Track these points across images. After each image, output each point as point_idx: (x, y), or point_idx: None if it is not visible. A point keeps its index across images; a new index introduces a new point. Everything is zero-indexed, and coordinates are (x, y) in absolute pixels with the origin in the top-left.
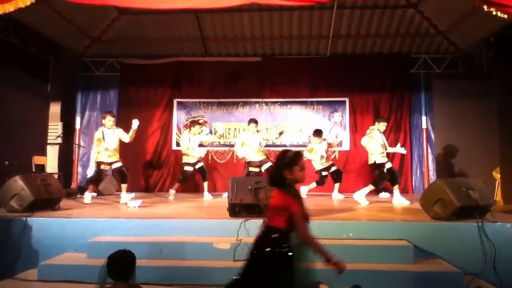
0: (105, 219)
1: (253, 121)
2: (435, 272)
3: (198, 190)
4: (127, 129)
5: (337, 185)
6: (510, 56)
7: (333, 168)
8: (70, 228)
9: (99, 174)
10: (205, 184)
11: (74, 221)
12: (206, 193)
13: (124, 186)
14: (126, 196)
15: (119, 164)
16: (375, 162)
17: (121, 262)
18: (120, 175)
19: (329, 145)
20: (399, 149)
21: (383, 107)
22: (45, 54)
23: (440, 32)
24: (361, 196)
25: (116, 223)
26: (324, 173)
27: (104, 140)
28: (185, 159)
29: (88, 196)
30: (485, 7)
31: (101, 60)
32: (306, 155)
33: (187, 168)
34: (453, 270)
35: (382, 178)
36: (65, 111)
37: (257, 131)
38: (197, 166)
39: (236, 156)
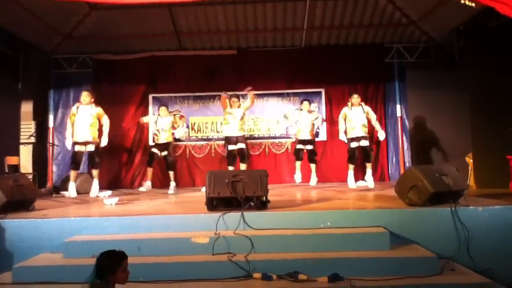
0: (81, 218)
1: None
2: (410, 258)
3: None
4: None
5: (313, 167)
6: (479, 45)
7: (309, 147)
8: (45, 229)
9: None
10: (171, 173)
11: (49, 221)
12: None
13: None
14: (96, 187)
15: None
16: None
17: (104, 263)
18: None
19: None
20: None
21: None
22: (14, 52)
23: (412, 22)
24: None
25: (93, 222)
26: (299, 146)
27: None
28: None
29: (71, 188)
30: None
31: (73, 56)
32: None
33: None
34: (428, 255)
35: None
36: (38, 109)
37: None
38: (163, 154)
39: (214, 149)
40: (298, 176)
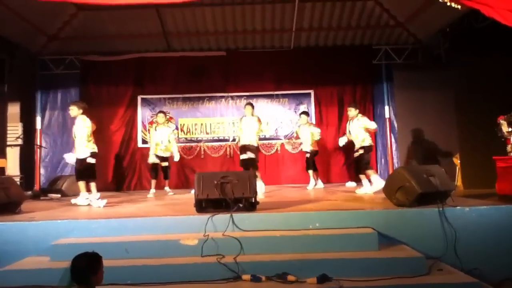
0: (68, 220)
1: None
2: (398, 258)
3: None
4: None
5: (310, 173)
6: (466, 46)
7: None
8: (31, 232)
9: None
10: (166, 182)
11: (35, 224)
12: (166, 188)
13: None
14: (82, 197)
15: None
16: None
17: (85, 264)
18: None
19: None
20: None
21: (347, 98)
22: (0, 53)
23: (399, 23)
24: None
25: (80, 224)
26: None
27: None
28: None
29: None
30: None
31: (60, 58)
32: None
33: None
34: (415, 255)
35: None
36: (25, 111)
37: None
38: (163, 164)
39: (204, 150)
40: (311, 185)
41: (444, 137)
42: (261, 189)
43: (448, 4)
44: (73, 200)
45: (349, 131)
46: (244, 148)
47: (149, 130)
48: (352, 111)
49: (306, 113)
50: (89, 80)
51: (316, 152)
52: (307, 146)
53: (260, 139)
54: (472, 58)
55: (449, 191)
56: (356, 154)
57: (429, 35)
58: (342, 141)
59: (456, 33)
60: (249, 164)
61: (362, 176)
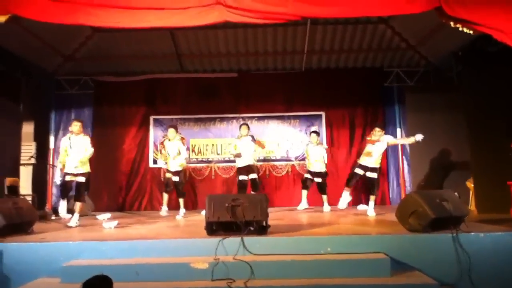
0: (80, 242)
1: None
2: (412, 285)
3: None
4: (102, 146)
5: (324, 198)
6: (477, 69)
7: (318, 179)
8: (43, 252)
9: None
10: (180, 201)
11: (47, 245)
12: (180, 210)
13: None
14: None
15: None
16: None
17: None
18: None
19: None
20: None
21: (359, 120)
22: (16, 73)
23: (411, 46)
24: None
25: (91, 246)
26: (307, 176)
27: (70, 147)
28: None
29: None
30: (451, 23)
31: (74, 78)
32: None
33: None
34: (429, 282)
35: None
36: (39, 130)
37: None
38: (174, 179)
39: (215, 171)
40: (303, 205)
41: (457, 160)
42: None
43: (460, 29)
44: (99, 217)
45: (370, 152)
46: (246, 169)
47: (160, 150)
48: (378, 132)
49: (317, 132)
50: (102, 100)
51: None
52: (320, 167)
53: (271, 160)
54: (484, 80)
55: (463, 216)
56: (373, 175)
57: (441, 58)
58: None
59: (468, 55)
60: (253, 185)
61: (372, 197)
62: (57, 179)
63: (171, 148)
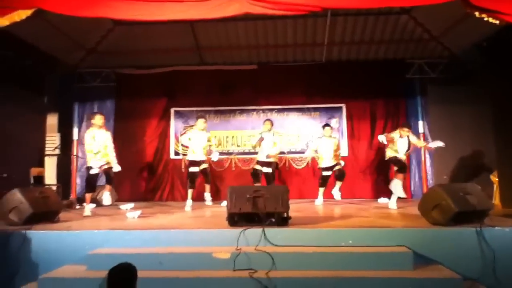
0: (104, 231)
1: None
2: (434, 279)
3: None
4: (123, 138)
5: (338, 183)
6: (502, 60)
7: (337, 167)
8: (69, 241)
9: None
10: (207, 187)
11: (73, 233)
12: (207, 194)
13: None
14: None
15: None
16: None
17: (122, 276)
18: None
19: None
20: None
21: (380, 112)
22: (40, 66)
23: (433, 37)
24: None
25: (115, 235)
26: (325, 173)
27: (95, 141)
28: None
29: (87, 208)
30: (476, 13)
31: (96, 71)
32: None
33: (192, 169)
34: (452, 276)
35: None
36: (62, 122)
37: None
38: (202, 167)
39: (235, 163)
40: (319, 201)
41: (481, 153)
42: None
43: (486, 19)
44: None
45: (399, 148)
46: (266, 164)
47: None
48: (406, 132)
49: (329, 125)
50: (124, 92)
51: None
52: (330, 161)
53: (291, 152)
54: (509, 72)
55: (487, 210)
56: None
57: (465, 49)
58: (382, 138)
59: (493, 47)
60: (267, 178)
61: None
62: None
63: (198, 139)
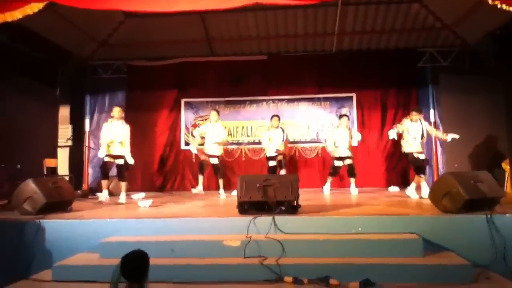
0: (116, 219)
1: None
2: (444, 265)
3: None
4: (134, 129)
5: (352, 180)
6: None
7: (348, 161)
8: (82, 229)
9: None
10: (220, 181)
11: (86, 222)
12: (221, 190)
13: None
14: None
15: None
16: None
17: (135, 263)
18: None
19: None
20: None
21: (391, 101)
22: (52, 58)
23: (445, 26)
24: (411, 191)
25: (127, 224)
26: (337, 163)
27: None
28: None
29: (102, 194)
30: (489, 0)
31: (108, 63)
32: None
33: (202, 157)
34: (462, 263)
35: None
36: (75, 113)
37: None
38: (212, 162)
39: (245, 153)
40: (327, 189)
41: (492, 142)
42: None
43: (499, 6)
44: (134, 196)
45: (414, 136)
46: (275, 158)
47: (192, 133)
48: (416, 115)
49: (347, 116)
50: (135, 84)
51: None
52: (346, 151)
53: (301, 142)
54: None
55: (498, 198)
56: (423, 156)
57: (478, 38)
58: (392, 133)
59: (507, 35)
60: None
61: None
62: (101, 154)
63: (212, 131)
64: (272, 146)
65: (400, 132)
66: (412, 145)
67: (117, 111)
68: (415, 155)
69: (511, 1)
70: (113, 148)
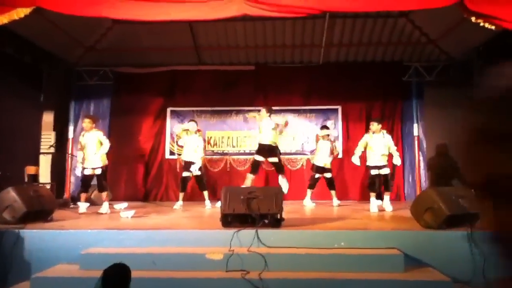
0: (98, 230)
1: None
2: (425, 281)
3: (193, 198)
4: (119, 137)
5: (333, 193)
6: (499, 65)
7: (328, 175)
8: (62, 240)
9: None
10: (205, 193)
11: (66, 232)
12: (206, 202)
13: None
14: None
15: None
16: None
17: (117, 277)
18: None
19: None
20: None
21: (375, 114)
22: (39, 63)
23: (431, 41)
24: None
25: (109, 235)
26: (317, 175)
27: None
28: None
29: (82, 205)
30: (473, 18)
31: (94, 69)
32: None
33: (184, 174)
34: (442, 279)
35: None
36: (58, 120)
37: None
38: (194, 173)
39: (230, 163)
40: (307, 201)
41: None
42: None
43: (482, 24)
44: (116, 206)
45: (369, 145)
46: (267, 148)
47: (176, 142)
48: (375, 126)
49: (327, 127)
50: (121, 91)
51: None
52: (327, 162)
53: (286, 153)
54: (507, 77)
55: (479, 214)
56: (385, 171)
57: (462, 53)
58: (356, 160)
59: (490, 51)
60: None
61: (387, 193)
62: (78, 172)
63: (190, 143)
64: (263, 135)
65: (362, 150)
66: (370, 158)
67: (86, 122)
68: (373, 171)
69: (492, 20)
70: (89, 161)
